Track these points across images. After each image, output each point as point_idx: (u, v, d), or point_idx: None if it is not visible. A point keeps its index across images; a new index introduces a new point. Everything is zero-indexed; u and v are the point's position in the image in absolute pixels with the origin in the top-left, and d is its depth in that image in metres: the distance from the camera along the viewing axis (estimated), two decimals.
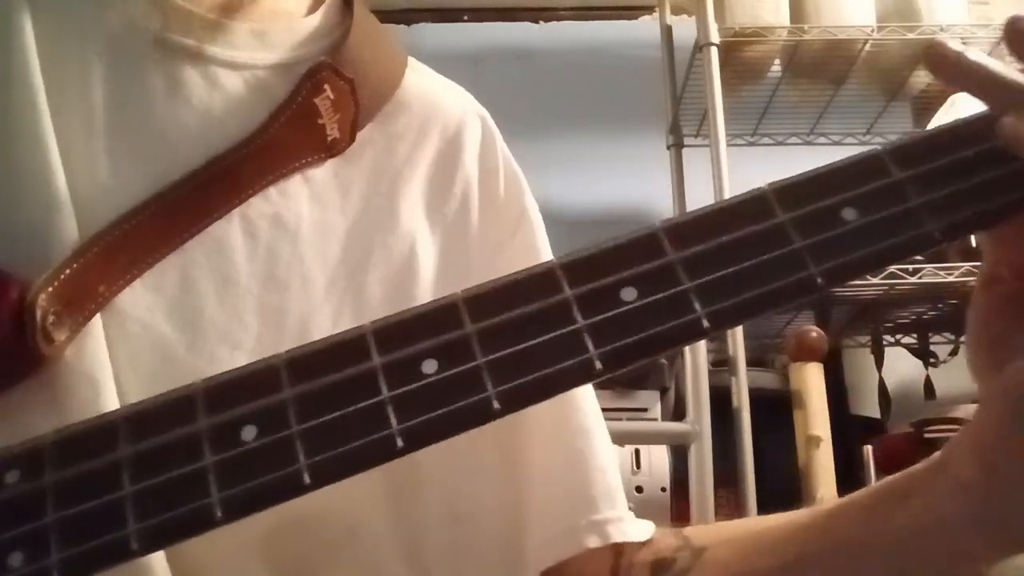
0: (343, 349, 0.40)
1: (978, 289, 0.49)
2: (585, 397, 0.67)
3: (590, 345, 0.38)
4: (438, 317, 0.40)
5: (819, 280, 0.40)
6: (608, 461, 0.66)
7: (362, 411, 0.38)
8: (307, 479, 0.38)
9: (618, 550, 0.64)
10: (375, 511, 0.59)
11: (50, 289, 0.51)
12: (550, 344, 0.39)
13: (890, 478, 0.55)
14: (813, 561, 0.56)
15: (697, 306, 0.39)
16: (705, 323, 0.39)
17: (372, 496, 0.58)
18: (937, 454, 0.52)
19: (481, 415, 0.38)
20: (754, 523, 0.64)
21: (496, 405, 0.38)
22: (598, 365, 0.38)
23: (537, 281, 0.40)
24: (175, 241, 0.56)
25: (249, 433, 0.38)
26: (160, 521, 0.38)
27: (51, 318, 0.50)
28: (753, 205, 0.42)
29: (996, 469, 0.47)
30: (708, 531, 0.66)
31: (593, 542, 0.63)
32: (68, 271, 0.52)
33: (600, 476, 0.65)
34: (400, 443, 0.38)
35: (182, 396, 0.40)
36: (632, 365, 0.38)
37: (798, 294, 0.40)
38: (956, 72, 0.46)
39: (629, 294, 0.39)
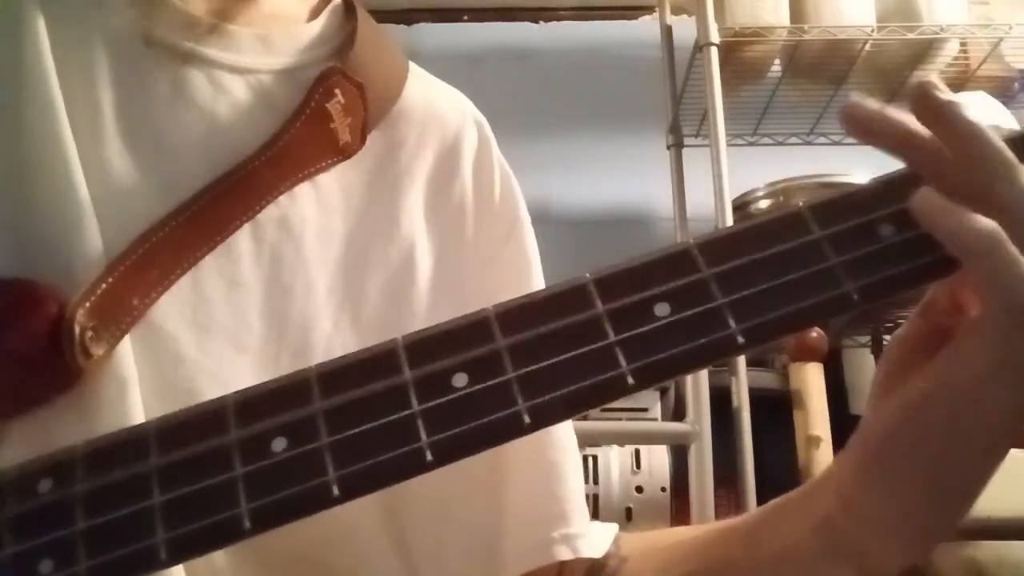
0: (374, 362, 0.40)
1: (915, 314, 0.50)
2: None
3: (622, 360, 0.39)
4: (469, 331, 0.40)
5: (855, 297, 0.40)
6: (578, 475, 0.68)
7: (392, 424, 0.38)
8: (336, 491, 0.38)
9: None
10: (370, 508, 0.59)
11: (87, 304, 0.51)
12: (582, 359, 0.39)
13: (772, 502, 0.57)
14: None
15: (732, 322, 0.39)
16: (740, 339, 0.39)
17: (367, 499, 0.58)
18: (807, 484, 0.55)
19: (512, 430, 0.38)
20: (677, 534, 0.66)
21: (527, 420, 0.38)
22: (631, 380, 0.38)
23: (569, 296, 0.40)
24: (201, 251, 0.57)
25: (279, 445, 0.39)
26: (189, 531, 0.38)
27: (89, 333, 0.50)
28: (788, 221, 0.42)
29: (852, 505, 0.49)
30: (636, 540, 0.68)
31: (565, 554, 0.64)
32: (104, 286, 0.52)
33: (574, 490, 0.66)
34: (430, 456, 0.38)
35: (213, 408, 0.40)
36: (665, 380, 0.38)
37: (834, 311, 0.40)
38: (876, 129, 0.46)
39: (662, 310, 0.39)
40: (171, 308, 0.55)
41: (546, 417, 0.38)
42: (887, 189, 0.43)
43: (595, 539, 0.66)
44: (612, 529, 0.68)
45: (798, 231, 0.41)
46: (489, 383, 0.39)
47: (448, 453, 0.38)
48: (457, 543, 0.63)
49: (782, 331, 0.39)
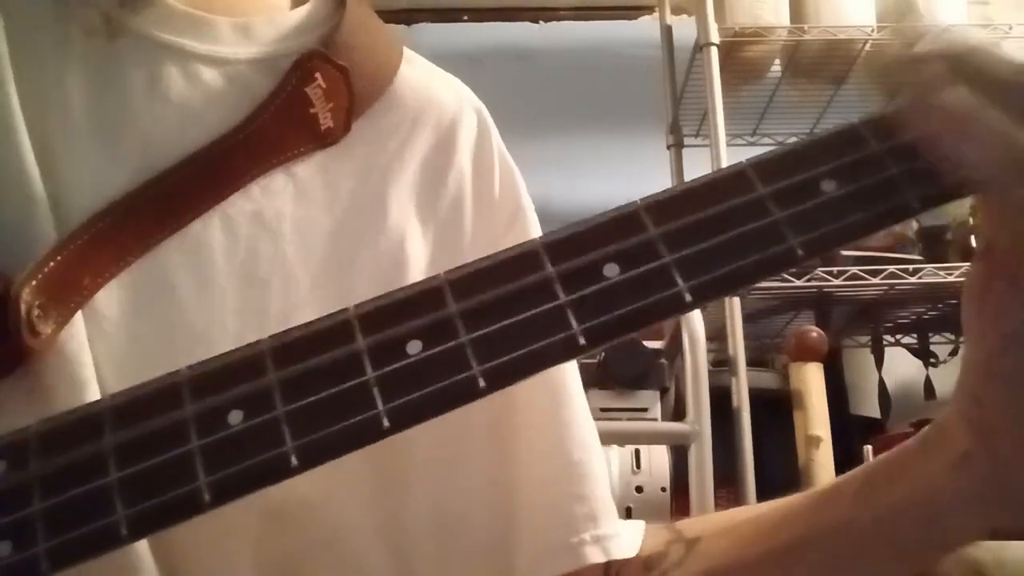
0: (327, 332, 0.40)
1: (976, 256, 0.48)
2: (582, 407, 0.66)
3: (573, 321, 0.38)
4: (422, 298, 0.40)
5: (799, 251, 0.40)
6: (604, 474, 0.66)
7: (347, 392, 0.38)
8: (294, 461, 0.38)
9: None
10: (361, 513, 0.58)
11: (34, 282, 0.50)
12: (533, 321, 0.39)
13: (882, 456, 0.54)
14: (807, 544, 0.56)
15: (679, 280, 0.39)
16: (687, 297, 0.39)
17: (358, 498, 0.58)
18: (927, 428, 0.52)
19: (467, 393, 0.38)
20: (749, 511, 0.63)
21: (482, 383, 0.38)
22: (581, 340, 0.38)
23: (520, 260, 0.40)
24: (162, 235, 0.56)
25: (235, 417, 0.38)
26: (148, 506, 0.37)
27: (36, 311, 0.50)
28: (732, 179, 0.42)
29: (994, 439, 0.47)
30: (701, 522, 0.66)
31: (596, 556, 0.62)
32: (52, 264, 0.51)
33: (601, 489, 0.65)
34: (386, 423, 0.37)
35: (167, 383, 0.40)
36: (616, 340, 0.38)
37: (779, 266, 0.39)
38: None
39: (611, 270, 0.39)
40: (133, 304, 0.54)
41: (501, 379, 0.38)
42: (829, 145, 0.43)
43: (627, 539, 0.64)
44: (639, 525, 0.66)
45: (743, 188, 0.41)
46: (443, 347, 0.38)
47: (405, 419, 0.38)
48: (462, 548, 0.62)
49: (729, 287, 0.39)
